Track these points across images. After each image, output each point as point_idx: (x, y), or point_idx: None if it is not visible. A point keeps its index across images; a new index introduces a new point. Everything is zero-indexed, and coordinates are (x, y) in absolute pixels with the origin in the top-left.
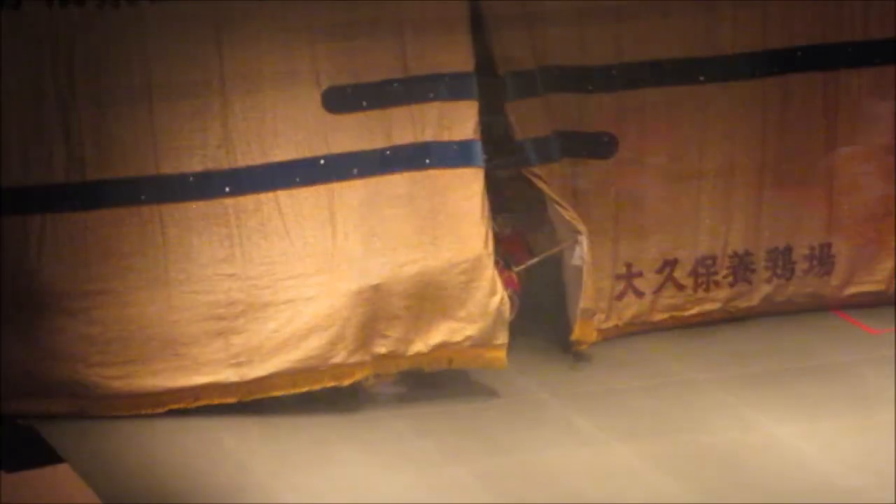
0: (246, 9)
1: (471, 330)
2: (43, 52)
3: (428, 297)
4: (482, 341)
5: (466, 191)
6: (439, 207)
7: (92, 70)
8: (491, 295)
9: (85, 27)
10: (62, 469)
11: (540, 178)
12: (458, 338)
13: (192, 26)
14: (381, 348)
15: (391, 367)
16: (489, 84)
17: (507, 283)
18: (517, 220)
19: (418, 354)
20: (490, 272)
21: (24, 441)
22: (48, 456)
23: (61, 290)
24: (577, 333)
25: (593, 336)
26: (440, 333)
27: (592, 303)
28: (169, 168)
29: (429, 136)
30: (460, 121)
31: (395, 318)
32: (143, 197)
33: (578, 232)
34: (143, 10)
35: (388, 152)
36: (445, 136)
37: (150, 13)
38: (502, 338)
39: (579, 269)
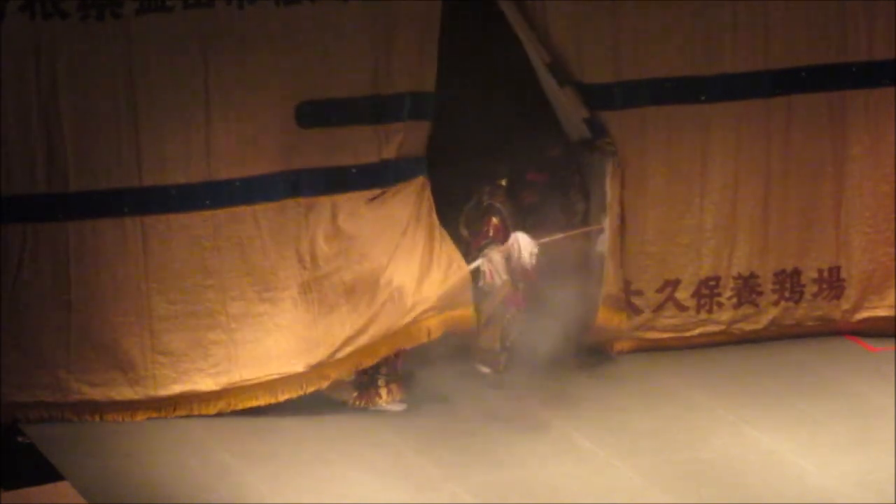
0: (231, 24)
1: (433, 300)
2: (27, 64)
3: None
4: (447, 304)
5: (419, 198)
6: (399, 215)
7: (76, 82)
8: (448, 268)
9: (69, 40)
10: (62, 486)
11: (614, 147)
12: (423, 307)
13: (177, 40)
14: (353, 345)
15: (370, 357)
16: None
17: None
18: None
19: (395, 335)
20: (445, 255)
21: (24, 458)
22: (48, 473)
23: (42, 297)
24: (600, 318)
25: (616, 322)
26: (410, 312)
27: (615, 289)
28: (152, 180)
29: (391, 154)
30: (417, 141)
31: (360, 314)
32: (125, 209)
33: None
34: (128, 23)
35: (353, 170)
36: (405, 154)
37: (135, 27)
38: (466, 299)
39: (602, 256)
